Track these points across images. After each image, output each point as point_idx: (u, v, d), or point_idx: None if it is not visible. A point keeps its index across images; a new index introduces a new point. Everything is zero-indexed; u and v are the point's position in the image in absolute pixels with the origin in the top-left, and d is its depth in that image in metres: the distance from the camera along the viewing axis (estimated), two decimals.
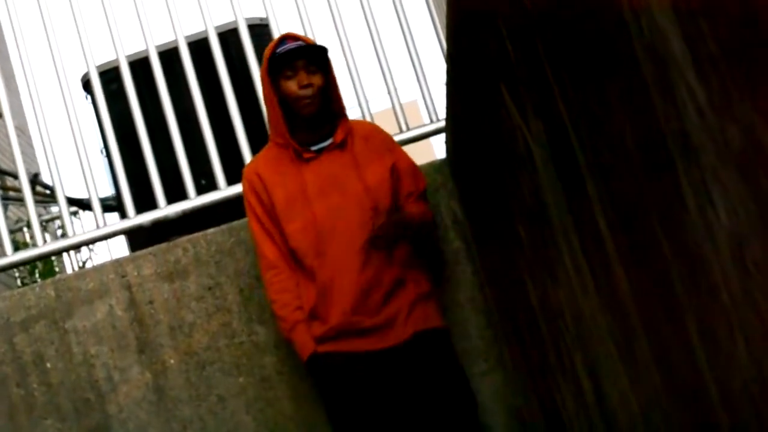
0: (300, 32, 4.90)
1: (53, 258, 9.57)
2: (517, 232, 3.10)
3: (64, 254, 9.08)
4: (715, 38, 1.17)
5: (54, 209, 10.50)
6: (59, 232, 10.43)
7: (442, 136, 4.96)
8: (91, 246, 9.74)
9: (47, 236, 7.92)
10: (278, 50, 4.05)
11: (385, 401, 4.00)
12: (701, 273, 1.44)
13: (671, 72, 1.32)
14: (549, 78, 2.04)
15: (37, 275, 9.50)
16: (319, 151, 4.09)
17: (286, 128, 4.06)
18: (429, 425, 4.01)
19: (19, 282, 9.49)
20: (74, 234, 5.01)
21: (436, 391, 4.00)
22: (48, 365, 4.63)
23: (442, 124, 4.81)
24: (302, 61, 4.04)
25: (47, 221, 10.08)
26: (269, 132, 4.19)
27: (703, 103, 1.23)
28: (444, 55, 4.90)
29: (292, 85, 4.02)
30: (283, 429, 4.55)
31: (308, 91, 4.01)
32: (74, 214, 8.91)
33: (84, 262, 9.84)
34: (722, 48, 1.15)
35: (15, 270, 9.15)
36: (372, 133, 4.20)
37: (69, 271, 10.01)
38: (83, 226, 9.12)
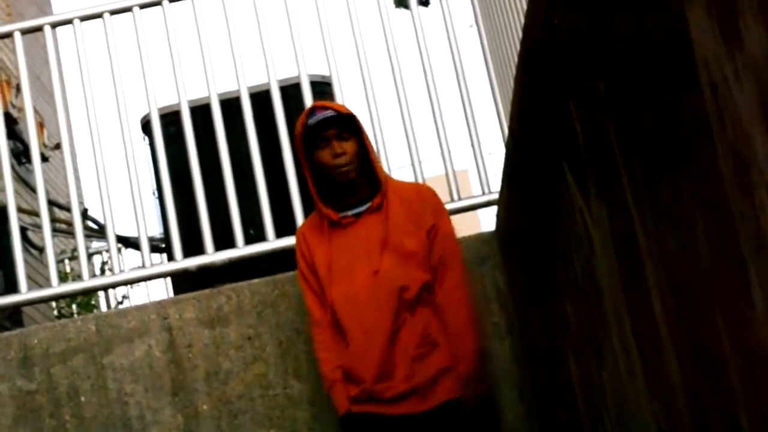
0: (361, 92, 4.98)
1: None
2: (564, 310, 3.12)
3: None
4: None
5: (95, 244, 10.60)
6: (98, 267, 10.53)
7: (491, 208, 5.01)
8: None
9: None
10: (309, 121, 4.10)
11: None
12: (762, 372, 1.46)
13: (752, 173, 1.35)
14: (618, 163, 2.07)
15: (74, 307, 9.58)
16: (358, 215, 4.12)
17: (318, 199, 4.10)
18: None
19: (56, 312, 9.56)
20: (121, 271, 5.06)
21: None
22: (82, 399, 4.67)
23: (494, 196, 4.84)
24: (333, 130, 4.07)
25: (89, 255, 10.17)
26: None
27: None
28: (501, 127, 4.96)
29: (325, 155, 4.06)
30: None
31: (341, 160, 4.05)
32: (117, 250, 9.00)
33: (123, 298, 9.93)
34: None
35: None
36: (414, 196, 4.18)
37: (104, 304, 10.08)
38: (124, 263, 9.21)
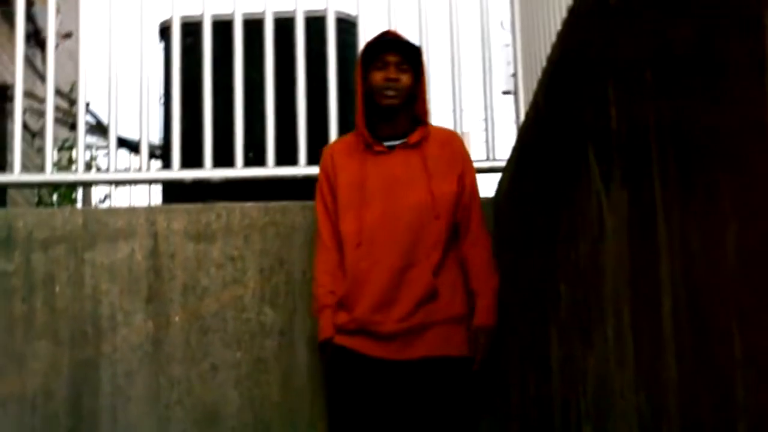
0: None
1: None
2: (557, 288, 3.13)
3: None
4: None
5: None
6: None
7: (487, 175, 5.01)
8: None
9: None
10: (375, 40, 4.16)
11: (383, 410, 4.03)
12: None
13: None
14: (652, 153, 2.07)
15: (55, 197, 9.56)
16: (392, 148, 4.15)
17: (363, 119, 4.15)
18: None
19: (36, 199, 9.53)
20: (116, 170, 5.04)
21: (433, 418, 4.02)
22: (57, 289, 4.67)
23: (498, 163, 4.84)
24: (395, 57, 4.13)
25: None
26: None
27: None
28: (516, 96, 4.95)
29: (378, 76, 4.12)
30: (266, 414, 4.58)
31: (392, 85, 4.11)
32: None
33: (105, 197, 9.92)
34: None
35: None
36: (449, 140, 4.25)
37: (80, 200, 10.05)
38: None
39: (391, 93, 4.12)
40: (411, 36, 4.80)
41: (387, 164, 4.14)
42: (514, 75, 5.11)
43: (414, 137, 4.16)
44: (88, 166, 10.04)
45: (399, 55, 4.14)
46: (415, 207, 4.06)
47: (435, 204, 4.07)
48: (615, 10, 2.35)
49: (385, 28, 5.04)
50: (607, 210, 2.49)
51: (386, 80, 4.12)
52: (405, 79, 4.14)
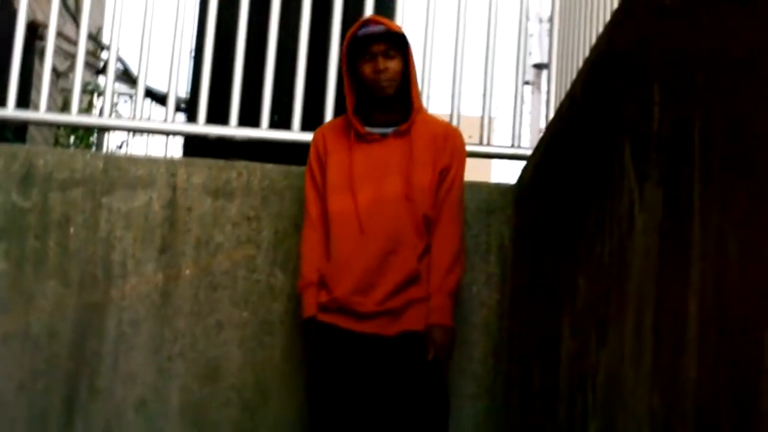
0: (422, 18, 4.98)
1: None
2: (575, 281, 3.14)
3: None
4: None
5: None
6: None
7: (501, 161, 5.01)
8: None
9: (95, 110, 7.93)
10: (359, 33, 4.15)
11: (363, 384, 4.07)
12: None
13: None
14: (694, 157, 2.07)
15: (72, 139, 9.56)
16: (384, 135, 4.18)
17: (351, 110, 4.17)
18: (395, 420, 4.06)
19: (53, 139, 9.52)
20: (140, 119, 5.03)
21: (411, 391, 4.05)
22: (71, 230, 4.67)
23: (523, 151, 4.84)
24: (381, 46, 4.15)
25: (98, 94, 10.14)
26: None
27: None
28: (548, 87, 4.95)
29: (368, 69, 4.14)
30: (266, 375, 4.60)
31: (382, 76, 4.13)
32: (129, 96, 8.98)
33: (122, 143, 9.93)
34: None
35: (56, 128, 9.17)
36: (443, 134, 4.25)
37: (93, 143, 10.04)
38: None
39: (383, 84, 4.14)
40: (449, 20, 4.81)
41: (379, 151, 4.17)
42: (539, 66, 5.11)
43: (404, 126, 4.18)
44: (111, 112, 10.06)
45: (384, 43, 4.15)
46: (397, 192, 4.11)
47: (410, 188, 4.10)
48: (669, 10, 2.35)
49: (420, 4, 5.04)
50: (638, 208, 2.50)
51: (375, 72, 4.14)
52: (393, 65, 4.16)
